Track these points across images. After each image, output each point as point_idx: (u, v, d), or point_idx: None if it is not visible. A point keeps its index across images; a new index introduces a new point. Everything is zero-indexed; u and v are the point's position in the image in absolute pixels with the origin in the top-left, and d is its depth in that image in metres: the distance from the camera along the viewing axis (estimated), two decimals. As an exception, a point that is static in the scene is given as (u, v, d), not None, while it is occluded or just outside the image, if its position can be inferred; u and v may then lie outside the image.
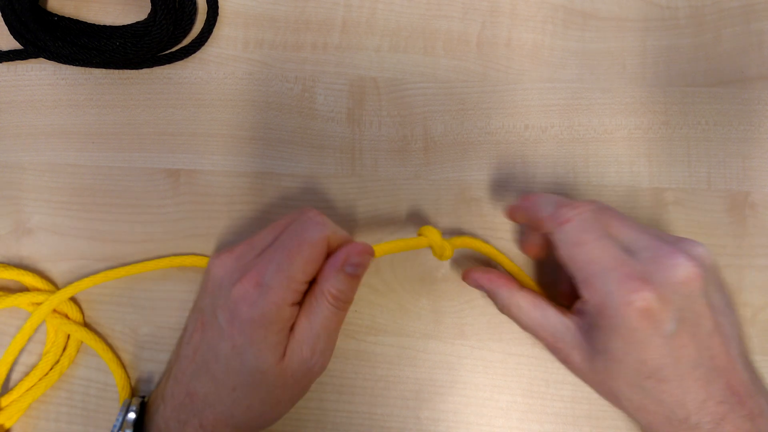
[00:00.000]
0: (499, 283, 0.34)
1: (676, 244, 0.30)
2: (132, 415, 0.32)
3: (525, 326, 0.33)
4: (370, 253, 0.32)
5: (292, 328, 0.31)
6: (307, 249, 0.30)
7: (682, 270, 0.28)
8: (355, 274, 0.31)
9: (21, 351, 0.37)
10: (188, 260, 0.37)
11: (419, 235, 0.35)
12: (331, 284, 0.31)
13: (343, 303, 0.31)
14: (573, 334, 0.30)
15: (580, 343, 0.30)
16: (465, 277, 0.36)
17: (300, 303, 0.31)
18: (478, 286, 0.35)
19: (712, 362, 0.29)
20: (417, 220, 0.39)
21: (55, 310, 0.37)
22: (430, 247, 0.35)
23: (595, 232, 0.30)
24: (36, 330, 0.37)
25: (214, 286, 0.31)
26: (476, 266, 0.37)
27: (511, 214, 0.35)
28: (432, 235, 0.34)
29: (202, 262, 0.37)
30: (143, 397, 0.34)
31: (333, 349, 0.32)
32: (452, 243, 0.35)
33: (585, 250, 0.29)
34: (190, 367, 0.31)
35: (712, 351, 0.29)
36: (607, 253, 0.29)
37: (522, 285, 0.34)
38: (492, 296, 0.34)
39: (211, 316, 0.31)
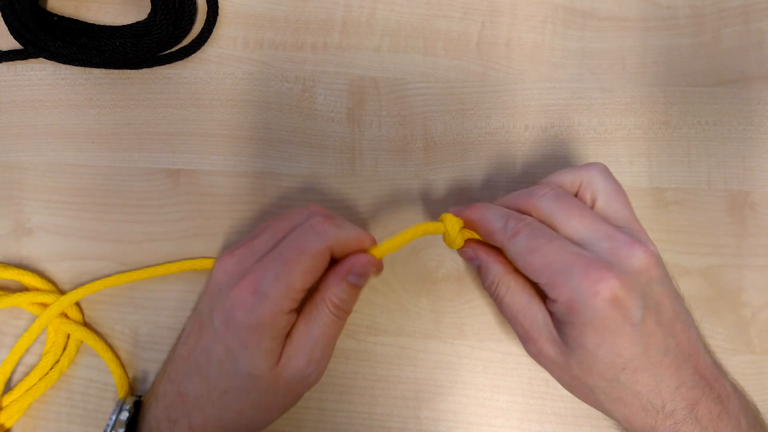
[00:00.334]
0: (496, 259, 0.33)
1: (632, 235, 0.30)
2: (125, 415, 0.32)
3: (506, 308, 0.32)
4: (375, 264, 0.32)
5: (288, 335, 0.31)
6: (307, 259, 0.30)
7: (640, 259, 0.29)
8: (357, 284, 0.31)
9: (2, 346, 0.37)
10: (198, 263, 0.37)
11: (439, 221, 0.33)
12: (332, 292, 0.31)
13: (344, 312, 0.31)
14: (550, 329, 0.30)
15: (555, 338, 0.30)
16: (462, 248, 0.34)
17: (297, 310, 0.31)
18: (473, 257, 0.34)
19: (678, 348, 0.29)
20: (417, 220, 0.39)
21: (55, 310, 0.37)
22: (443, 234, 0.34)
23: (545, 236, 0.30)
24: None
25: (214, 289, 0.31)
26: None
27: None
28: (449, 224, 0.33)
29: (211, 264, 0.37)
30: (139, 396, 0.34)
31: (329, 359, 0.32)
32: (464, 233, 0.34)
33: (541, 254, 0.29)
34: (183, 368, 0.31)
35: (677, 337, 0.29)
36: (564, 251, 0.29)
37: (516, 269, 0.33)
38: (483, 270, 0.33)
39: (208, 318, 0.31)
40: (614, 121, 0.39)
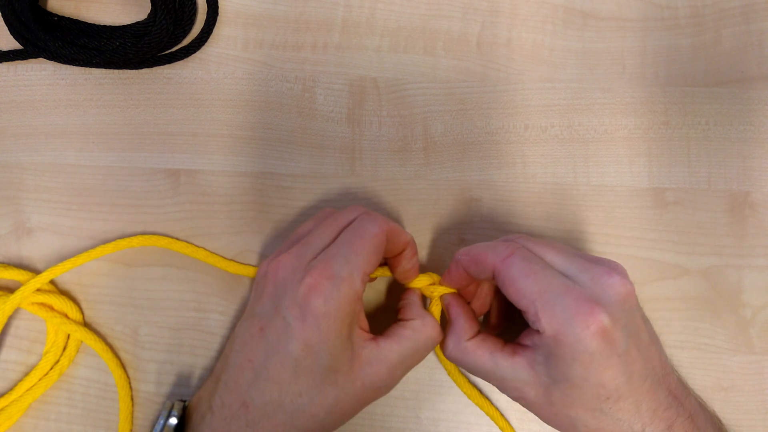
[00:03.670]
0: (468, 318, 0.33)
1: (604, 263, 0.30)
2: (174, 420, 0.31)
3: (472, 370, 0.32)
4: None
5: (374, 340, 0.31)
6: (372, 242, 0.31)
7: (621, 287, 0.29)
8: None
9: (2, 346, 0.37)
10: (135, 241, 0.37)
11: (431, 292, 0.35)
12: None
13: None
14: (526, 372, 0.30)
15: (534, 379, 0.30)
16: (447, 301, 0.35)
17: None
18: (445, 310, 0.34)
19: (654, 371, 0.30)
20: (417, 220, 0.39)
21: (53, 309, 0.37)
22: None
23: (538, 263, 0.30)
24: (29, 328, 0.37)
25: (276, 288, 0.31)
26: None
27: (456, 279, 0.34)
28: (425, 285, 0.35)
29: (147, 241, 0.37)
30: (184, 401, 0.33)
31: (398, 382, 0.33)
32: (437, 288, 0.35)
33: (536, 280, 0.29)
34: (244, 376, 0.30)
35: (653, 361, 0.30)
36: (556, 281, 0.29)
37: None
38: (449, 327, 0.33)
39: (273, 318, 0.30)
40: (614, 121, 0.39)
